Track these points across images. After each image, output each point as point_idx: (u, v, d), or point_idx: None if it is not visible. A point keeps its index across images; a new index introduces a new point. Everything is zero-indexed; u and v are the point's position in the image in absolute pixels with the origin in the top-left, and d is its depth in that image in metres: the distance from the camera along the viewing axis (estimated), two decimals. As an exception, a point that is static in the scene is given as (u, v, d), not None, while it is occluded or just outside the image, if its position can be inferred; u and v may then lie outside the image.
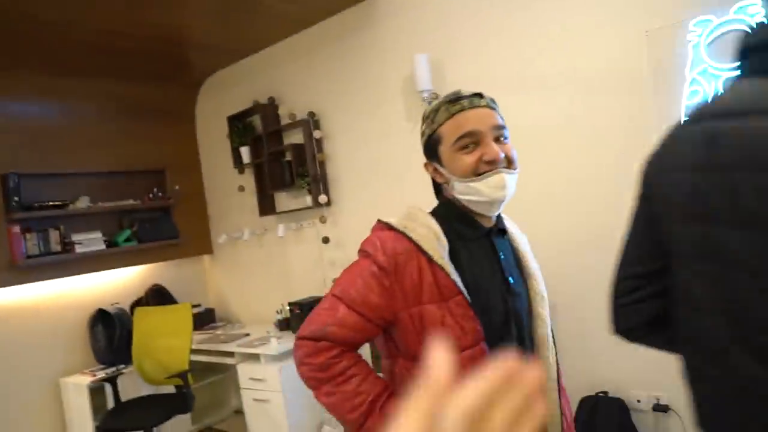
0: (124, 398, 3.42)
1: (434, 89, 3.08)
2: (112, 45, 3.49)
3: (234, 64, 4.26)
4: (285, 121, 3.90)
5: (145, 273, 4.29)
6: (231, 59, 4.19)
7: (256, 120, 4.09)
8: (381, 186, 3.45)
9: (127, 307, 4.04)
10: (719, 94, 0.95)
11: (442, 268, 1.11)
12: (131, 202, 4.14)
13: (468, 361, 1.09)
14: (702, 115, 0.93)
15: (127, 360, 3.61)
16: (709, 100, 0.96)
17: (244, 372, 3.46)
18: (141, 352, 3.53)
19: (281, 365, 3.29)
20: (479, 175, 1.11)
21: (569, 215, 2.73)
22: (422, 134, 1.22)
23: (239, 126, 4.18)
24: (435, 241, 1.14)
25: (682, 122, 0.98)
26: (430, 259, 1.11)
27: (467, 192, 1.14)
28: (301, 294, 3.81)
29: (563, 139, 2.71)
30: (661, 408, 2.49)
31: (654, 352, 2.58)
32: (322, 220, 3.73)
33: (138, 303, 4.10)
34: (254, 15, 3.40)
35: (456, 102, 1.15)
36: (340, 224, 3.70)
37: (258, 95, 4.03)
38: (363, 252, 1.17)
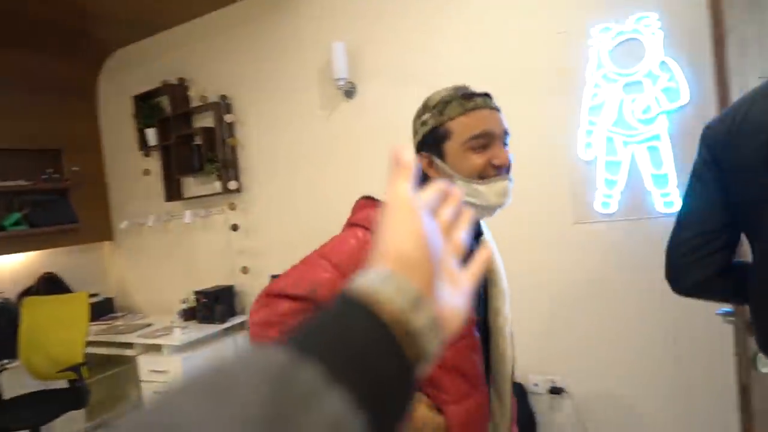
0: (7, 396, 3.17)
1: (350, 78, 3.06)
2: (3, 9, 3.18)
3: (142, 41, 4.02)
4: (195, 103, 3.74)
5: (37, 260, 3.98)
6: (139, 35, 3.96)
7: (164, 101, 3.89)
8: (294, 173, 3.39)
9: (14, 297, 3.74)
10: None
11: None
12: (22, 182, 3.82)
13: (465, 351, 1.08)
14: None
15: (12, 354, 3.33)
16: None
17: (145, 364, 3.30)
18: (29, 346, 3.27)
19: (184, 356, 3.17)
20: (483, 178, 1.07)
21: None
22: (424, 123, 1.14)
23: (146, 106, 3.97)
24: None
25: (753, 96, 1.08)
26: None
27: (468, 194, 1.08)
28: (208, 283, 3.68)
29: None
30: (556, 390, 2.63)
31: (548, 341, 2.71)
32: (232, 207, 3.62)
33: (27, 292, 3.80)
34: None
35: (470, 98, 1.10)
36: (250, 212, 3.61)
37: (167, 75, 3.84)
38: (357, 226, 1.10)
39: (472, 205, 1.08)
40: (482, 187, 1.07)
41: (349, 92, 3.10)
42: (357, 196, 3.26)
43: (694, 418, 2.33)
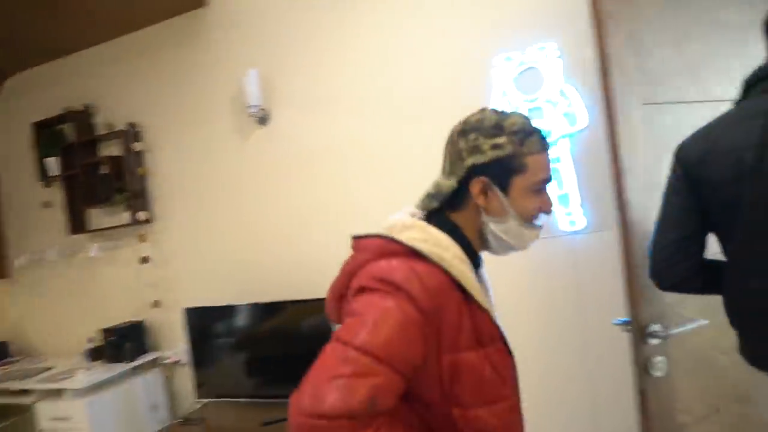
0: None
1: (263, 105, 3.04)
2: None
3: (43, 65, 3.82)
4: (101, 131, 3.58)
5: None
6: (39, 59, 3.76)
7: (68, 128, 3.69)
8: (208, 202, 3.29)
9: None
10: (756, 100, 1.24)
11: (483, 310, 0.97)
12: None
13: (509, 413, 1.00)
14: (756, 113, 1.20)
15: None
16: (750, 103, 1.25)
17: (44, 411, 3.05)
18: None
19: (89, 400, 2.95)
20: (529, 221, 1.04)
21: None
22: (497, 146, 0.99)
23: (47, 134, 3.74)
24: (472, 278, 0.97)
25: (726, 121, 1.25)
26: (466, 298, 0.95)
27: (510, 232, 1.03)
28: (117, 319, 3.48)
29: (386, 159, 2.82)
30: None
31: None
32: (142, 239, 3.46)
33: None
34: (69, 12, 3.08)
35: (544, 138, 1.03)
36: (162, 243, 3.46)
37: (70, 101, 3.65)
38: (391, 285, 0.89)
39: (503, 242, 1.04)
40: (526, 230, 1.03)
41: (263, 119, 3.08)
42: (273, 224, 3.28)
43: (602, 426, 2.43)
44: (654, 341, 1.52)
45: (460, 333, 0.92)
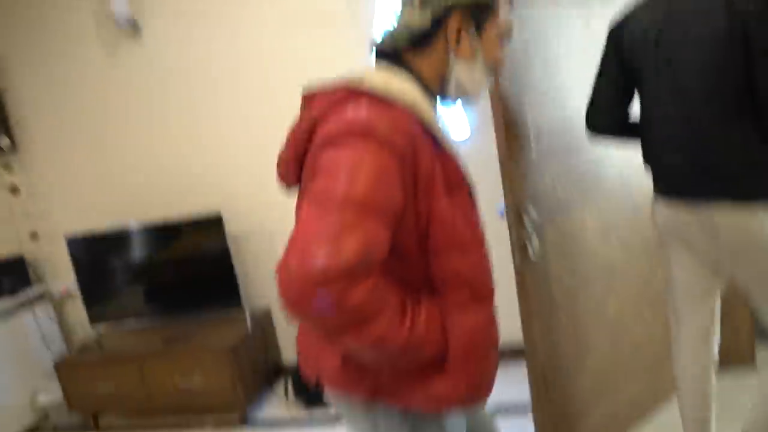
0: None
1: (133, 17, 2.78)
2: None
3: None
4: (-58, 49, 3.13)
5: None
6: None
7: None
8: (80, 124, 3.05)
9: None
10: None
11: (449, 154, 0.94)
12: None
13: (480, 264, 0.97)
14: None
15: None
16: None
17: None
18: None
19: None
20: (488, 69, 1.02)
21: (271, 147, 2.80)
22: None
23: None
24: (438, 122, 0.93)
25: (641, 4, 1.50)
26: (436, 143, 0.91)
27: (474, 77, 1.00)
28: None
29: (272, 68, 2.74)
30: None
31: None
32: (7, 169, 3.16)
33: None
34: None
35: None
36: (32, 171, 3.18)
37: None
38: (360, 131, 0.83)
39: (463, 88, 1.01)
40: (485, 79, 1.02)
41: (134, 31, 2.83)
42: (152, 141, 3.19)
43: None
44: (529, 225, 1.66)
45: (434, 179, 0.89)
